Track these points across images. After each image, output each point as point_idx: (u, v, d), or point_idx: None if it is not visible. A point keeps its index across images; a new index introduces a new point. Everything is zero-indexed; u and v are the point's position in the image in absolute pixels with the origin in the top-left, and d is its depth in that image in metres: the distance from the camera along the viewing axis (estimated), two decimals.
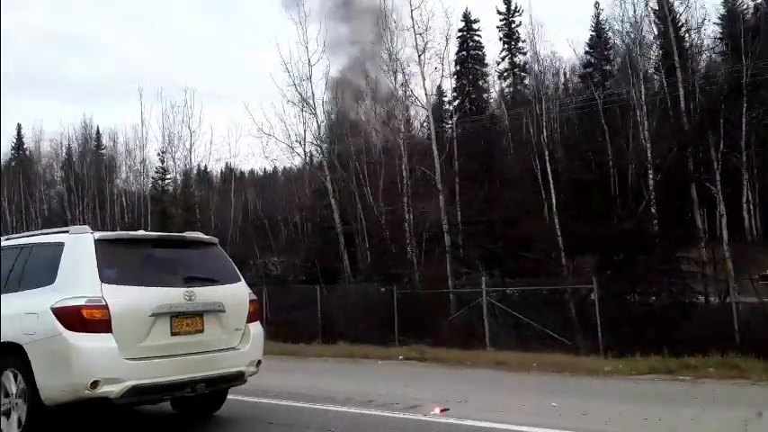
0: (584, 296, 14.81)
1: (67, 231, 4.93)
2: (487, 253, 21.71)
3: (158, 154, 30.66)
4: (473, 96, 31.49)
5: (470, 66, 30.87)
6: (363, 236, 24.16)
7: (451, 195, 22.97)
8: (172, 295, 4.71)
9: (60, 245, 4.74)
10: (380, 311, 15.45)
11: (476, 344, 12.00)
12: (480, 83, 31.42)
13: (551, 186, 22.99)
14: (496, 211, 23.13)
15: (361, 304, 16.85)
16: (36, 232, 5.66)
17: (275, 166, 38.88)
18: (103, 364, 4.28)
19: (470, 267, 21.62)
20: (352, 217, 24.19)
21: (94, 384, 4.27)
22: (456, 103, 30.09)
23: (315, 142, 25.06)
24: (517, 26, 30.27)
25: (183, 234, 5.41)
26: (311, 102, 24.36)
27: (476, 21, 31.16)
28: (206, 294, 4.88)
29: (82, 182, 35.52)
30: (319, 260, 23.26)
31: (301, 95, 23.82)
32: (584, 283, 14.97)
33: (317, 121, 24.43)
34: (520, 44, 30.42)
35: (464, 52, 31.07)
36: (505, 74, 31.02)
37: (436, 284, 18.44)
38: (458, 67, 30.26)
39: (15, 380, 4.50)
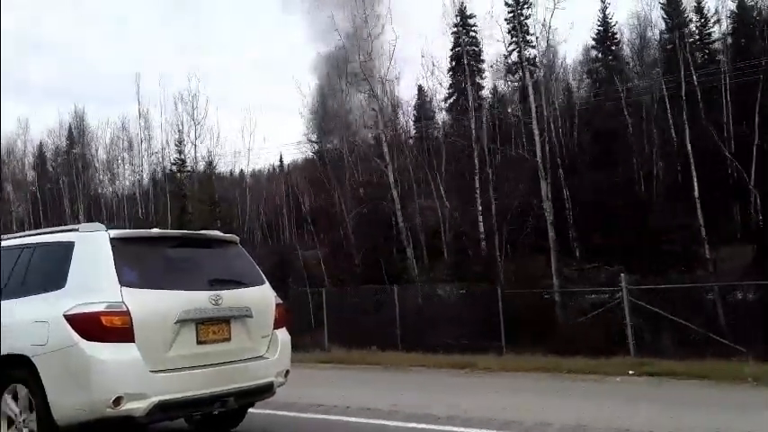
0: (728, 292, 14.02)
1: (77, 229, 4.92)
2: (606, 245, 19.76)
3: (176, 144, 30.36)
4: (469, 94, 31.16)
5: (466, 62, 31.54)
6: (444, 229, 23.04)
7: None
8: (197, 300, 4.66)
9: (69, 244, 4.71)
10: (472, 315, 14.63)
11: (613, 351, 10.67)
12: (477, 79, 32.29)
13: (692, 169, 21.74)
14: (609, 196, 21.24)
15: (444, 306, 16.15)
16: (37, 231, 5.72)
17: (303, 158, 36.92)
18: (127, 377, 4.23)
19: (586, 262, 20.27)
20: (402, 207, 22.83)
21: (117, 401, 4.17)
22: (451, 100, 32.66)
23: (375, 126, 23.63)
24: (526, 18, 30.34)
25: (205, 232, 5.42)
26: (372, 80, 23.05)
27: (471, 16, 32.00)
28: (233, 298, 4.85)
29: (75, 178, 35.44)
30: (377, 259, 22.03)
31: (368, 74, 22.79)
32: (735, 279, 13.37)
33: (379, 102, 23.06)
34: (528, 37, 30.60)
35: (459, 48, 31.64)
36: (514, 68, 31.41)
37: (532, 283, 17.17)
38: (452, 64, 32.06)
39: (21, 398, 4.53)
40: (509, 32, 26.65)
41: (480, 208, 21.16)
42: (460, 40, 30.12)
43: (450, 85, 31.92)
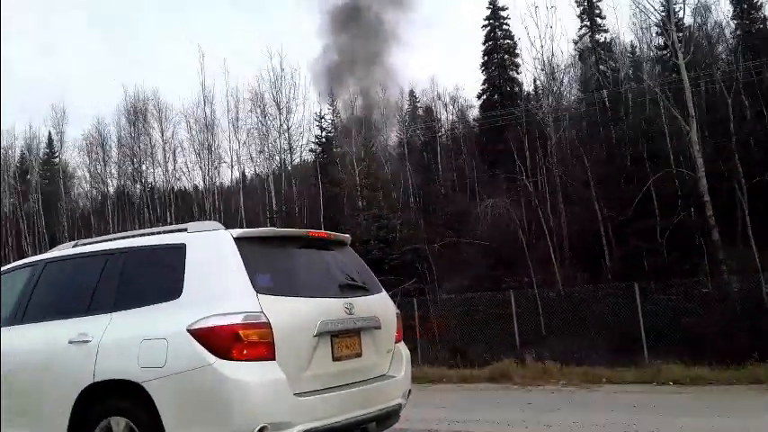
0: None
1: (185, 229, 4.26)
2: None
3: (316, 114, 27.99)
4: (506, 88, 33.27)
5: (499, 56, 33.10)
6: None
7: None
8: (334, 308, 4.12)
9: (179, 248, 4.03)
10: None
11: None
12: (512, 73, 33.20)
13: None
14: None
15: None
16: (121, 234, 4.87)
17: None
18: (272, 403, 3.62)
19: None
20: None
21: None
22: (485, 96, 33.50)
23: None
24: (598, 0, 31.19)
25: (335, 234, 4.84)
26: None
27: (504, 8, 33.16)
28: (363, 307, 4.37)
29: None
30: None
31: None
32: None
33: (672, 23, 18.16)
34: (599, 21, 31.26)
35: (491, 42, 33.36)
36: (586, 53, 31.70)
37: None
38: (485, 58, 33.32)
39: None
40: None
41: None
42: None
43: (484, 81, 31.44)
